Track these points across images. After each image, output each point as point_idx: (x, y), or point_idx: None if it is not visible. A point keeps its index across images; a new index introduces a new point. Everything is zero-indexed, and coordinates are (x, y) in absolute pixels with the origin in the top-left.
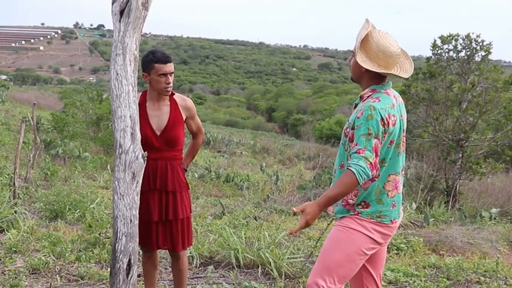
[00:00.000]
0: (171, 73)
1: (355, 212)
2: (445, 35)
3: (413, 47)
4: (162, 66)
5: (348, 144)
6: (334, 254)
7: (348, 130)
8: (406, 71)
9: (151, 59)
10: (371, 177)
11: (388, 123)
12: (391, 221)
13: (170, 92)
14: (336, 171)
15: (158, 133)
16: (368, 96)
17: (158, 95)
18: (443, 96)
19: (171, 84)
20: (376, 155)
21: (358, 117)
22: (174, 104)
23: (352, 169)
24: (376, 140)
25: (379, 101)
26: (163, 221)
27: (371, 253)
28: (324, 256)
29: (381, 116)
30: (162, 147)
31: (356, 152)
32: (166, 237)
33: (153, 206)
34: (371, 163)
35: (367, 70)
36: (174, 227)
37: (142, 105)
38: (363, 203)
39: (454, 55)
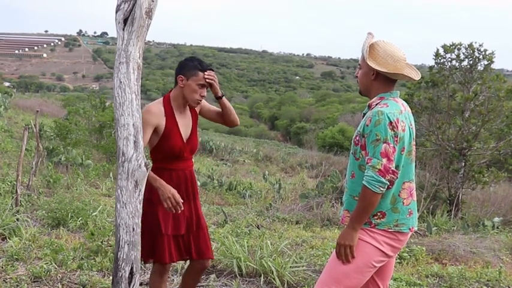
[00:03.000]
0: (207, 86)
1: (372, 225)
2: (448, 44)
3: (415, 55)
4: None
5: (360, 152)
6: (343, 265)
7: (357, 138)
8: (414, 76)
9: (197, 65)
10: (385, 182)
11: (397, 126)
12: (409, 229)
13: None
14: (347, 182)
15: (185, 141)
16: (376, 104)
17: (184, 103)
18: (446, 105)
19: (204, 98)
20: (389, 159)
21: (367, 125)
22: (193, 109)
23: (364, 182)
24: (385, 144)
25: (387, 106)
26: (194, 231)
27: (380, 265)
28: (331, 266)
29: (389, 119)
30: (187, 156)
31: (366, 163)
32: (199, 247)
33: (182, 218)
34: (379, 169)
35: (376, 78)
36: (207, 235)
37: (171, 115)
38: (378, 213)
39: (457, 64)
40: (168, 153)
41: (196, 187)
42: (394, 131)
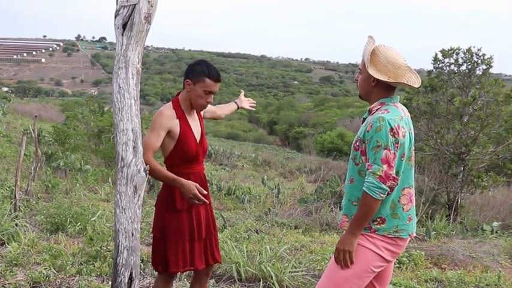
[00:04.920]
0: (215, 93)
1: (372, 230)
2: (446, 49)
3: (414, 60)
4: (212, 84)
5: (360, 157)
6: (343, 270)
7: (357, 144)
8: (414, 82)
9: (204, 70)
10: (386, 188)
11: (398, 133)
12: (409, 235)
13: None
14: (346, 187)
15: (198, 144)
16: (377, 109)
17: (192, 106)
18: (445, 110)
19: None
20: (389, 166)
21: (368, 131)
22: (198, 113)
23: (364, 188)
24: (386, 151)
25: (388, 112)
26: (212, 234)
27: (379, 270)
28: (331, 271)
29: (390, 125)
30: (201, 159)
31: (367, 169)
32: (214, 251)
33: (204, 222)
34: (380, 176)
35: (376, 84)
36: (217, 238)
37: (183, 117)
38: (378, 219)
39: (455, 69)
40: (185, 157)
41: (208, 190)
42: (395, 137)
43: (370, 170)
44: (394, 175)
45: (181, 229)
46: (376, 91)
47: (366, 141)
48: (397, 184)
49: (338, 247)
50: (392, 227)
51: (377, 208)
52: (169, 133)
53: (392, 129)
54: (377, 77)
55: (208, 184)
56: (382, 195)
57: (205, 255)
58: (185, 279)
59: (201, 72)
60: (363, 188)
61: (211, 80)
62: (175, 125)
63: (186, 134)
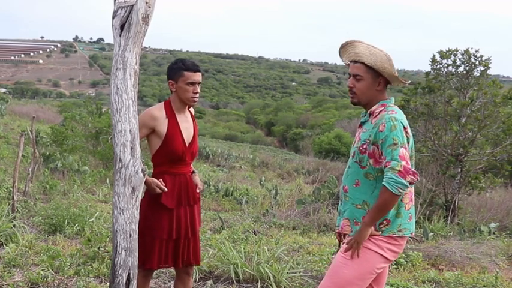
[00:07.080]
0: (199, 83)
1: (377, 232)
2: (444, 50)
3: (412, 61)
4: (191, 74)
5: (367, 160)
6: (346, 272)
7: (364, 147)
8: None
9: (181, 66)
10: (405, 183)
11: (408, 133)
12: (411, 233)
13: (196, 102)
14: (347, 191)
15: (187, 146)
16: (380, 111)
17: (183, 106)
18: (443, 111)
19: (198, 95)
20: (407, 163)
21: (381, 131)
22: (192, 115)
23: (384, 183)
24: (402, 148)
25: (396, 113)
26: (190, 236)
27: (380, 271)
28: (334, 273)
29: (403, 125)
30: (189, 160)
31: (385, 166)
32: (193, 252)
33: (183, 223)
34: (399, 171)
35: (379, 86)
36: (198, 240)
37: (172, 118)
38: (384, 221)
39: (453, 70)
40: (171, 157)
41: (195, 192)
42: (407, 136)
43: (388, 166)
44: (413, 170)
45: (160, 227)
46: (378, 94)
47: (380, 141)
48: (417, 179)
49: (353, 237)
50: (396, 227)
51: (395, 204)
52: (155, 132)
53: (405, 128)
54: (386, 76)
55: (193, 185)
56: (401, 190)
57: (183, 256)
58: (169, 281)
59: (178, 68)
60: (383, 183)
61: (190, 72)
62: (161, 125)
63: (173, 135)
